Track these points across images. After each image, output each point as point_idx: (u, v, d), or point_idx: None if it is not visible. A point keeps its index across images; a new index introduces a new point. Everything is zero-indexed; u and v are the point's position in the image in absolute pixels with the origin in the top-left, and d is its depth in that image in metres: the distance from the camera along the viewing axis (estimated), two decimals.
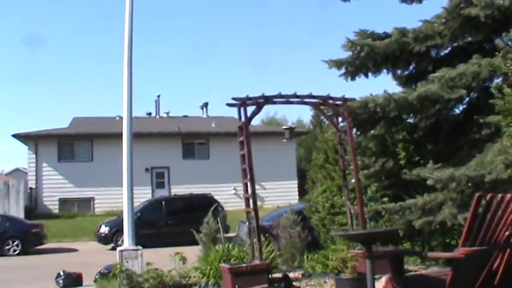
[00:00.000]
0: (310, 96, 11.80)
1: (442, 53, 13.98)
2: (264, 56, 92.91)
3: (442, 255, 7.18)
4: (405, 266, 10.62)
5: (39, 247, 24.60)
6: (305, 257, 12.87)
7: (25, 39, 78.01)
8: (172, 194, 35.99)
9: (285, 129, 33.24)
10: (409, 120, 13.79)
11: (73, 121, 42.98)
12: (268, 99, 11.25)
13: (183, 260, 12.08)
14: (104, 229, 25.41)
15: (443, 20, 12.41)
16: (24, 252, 23.55)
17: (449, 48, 13.72)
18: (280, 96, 11.39)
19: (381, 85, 17.48)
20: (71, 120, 43.48)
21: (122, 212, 14.06)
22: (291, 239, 13.69)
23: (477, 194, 5.36)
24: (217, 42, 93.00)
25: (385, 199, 13.62)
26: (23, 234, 24.38)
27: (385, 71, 14.15)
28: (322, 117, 13.26)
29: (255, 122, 48.02)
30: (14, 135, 38.69)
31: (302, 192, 34.22)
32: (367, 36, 13.65)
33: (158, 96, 48.95)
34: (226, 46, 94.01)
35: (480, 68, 11.56)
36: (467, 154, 11.97)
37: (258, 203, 11.63)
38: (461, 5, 11.81)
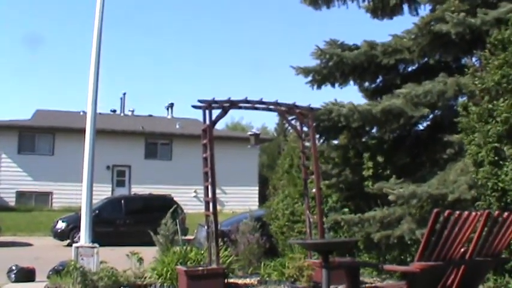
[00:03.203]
0: (276, 103, 11.79)
1: (410, 69, 14.12)
2: (233, 58, 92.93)
3: (398, 269, 7.22)
4: (361, 278, 10.63)
5: None
6: (262, 263, 12.83)
7: None
8: (132, 193, 35.71)
9: (250, 135, 33.08)
10: (373, 133, 13.87)
11: (35, 113, 42.41)
12: (233, 104, 11.21)
13: (140, 260, 11.93)
14: (61, 225, 25.08)
15: (413, 36, 12.53)
16: None
17: (417, 65, 13.83)
18: (246, 101, 11.36)
19: (347, 96, 17.56)
20: (33, 112, 42.91)
21: (80, 209, 13.86)
22: (249, 245, 13.62)
23: (435, 210, 5.39)
24: (187, 42, 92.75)
25: (345, 210, 13.65)
26: None
27: (351, 82, 14.25)
28: (287, 124, 13.24)
29: (220, 126, 47.93)
30: None
31: (262, 199, 34.26)
32: (337, 47, 13.73)
33: (124, 94, 48.70)
34: (196, 47, 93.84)
35: (446, 87, 11.67)
36: (429, 171, 12.08)
37: (218, 207, 11.58)
38: (432, 23, 11.92)
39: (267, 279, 11.75)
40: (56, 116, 40.70)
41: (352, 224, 12.67)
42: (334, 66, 13.46)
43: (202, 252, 11.85)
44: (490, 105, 9.54)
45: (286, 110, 12.14)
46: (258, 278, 11.89)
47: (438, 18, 11.78)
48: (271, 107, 11.86)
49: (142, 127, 41.08)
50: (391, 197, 11.43)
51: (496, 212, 6.45)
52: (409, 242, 11.69)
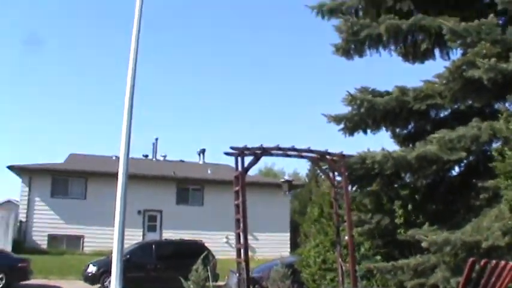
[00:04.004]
0: (308, 150, 11.78)
1: (442, 114, 14.01)
2: (264, 106, 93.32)
3: None
4: None
5: (24, 282, 24.24)
6: None
7: (25, 71, 78.45)
8: (164, 238, 35.65)
9: (283, 182, 33.01)
10: (406, 180, 13.73)
11: (69, 157, 42.84)
12: (266, 151, 11.21)
13: None
14: (92, 268, 25.05)
15: (445, 81, 12.44)
16: (8, 286, 23.17)
17: (449, 110, 13.74)
18: (278, 148, 11.36)
19: (377, 142, 17.47)
20: (66, 156, 43.35)
21: (111, 253, 13.84)
22: None
23: (471, 259, 5.30)
24: (220, 90, 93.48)
25: (378, 257, 13.46)
26: (8, 268, 23.97)
27: (383, 128, 14.17)
28: (319, 171, 13.19)
29: (252, 172, 47.96)
30: (9, 167, 38.50)
31: (294, 245, 33.98)
32: (368, 93, 13.70)
33: (156, 139, 48.97)
34: (228, 94, 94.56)
35: (480, 132, 11.54)
36: (463, 217, 11.89)
37: (250, 253, 11.49)
38: (464, 67, 11.83)
39: None
40: (89, 160, 41.08)
41: (385, 272, 12.47)
42: (365, 112, 13.41)
43: None
44: None
45: (318, 157, 12.12)
46: None
47: (469, 63, 11.68)
48: (304, 154, 11.83)
49: (174, 172, 41.21)
50: (424, 244, 11.24)
51: None
52: None
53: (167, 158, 47.49)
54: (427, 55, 14.46)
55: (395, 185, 13.79)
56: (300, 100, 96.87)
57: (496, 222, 10.28)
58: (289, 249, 37.80)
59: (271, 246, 37.83)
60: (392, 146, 14.08)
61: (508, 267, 5.66)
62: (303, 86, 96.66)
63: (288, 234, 41.01)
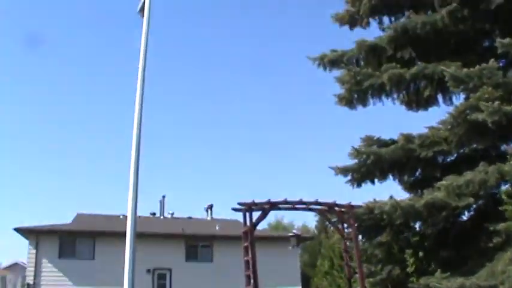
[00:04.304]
0: (316, 202, 11.73)
1: (448, 159, 13.98)
2: (269, 161, 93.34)
3: None
4: None
5: None
6: None
7: (29, 128, 78.80)
8: None
9: (291, 236, 32.86)
10: (416, 227, 13.62)
11: (76, 217, 42.74)
12: (273, 205, 11.17)
13: None
14: None
15: (449, 126, 12.47)
16: None
17: (456, 155, 13.71)
18: (285, 202, 11.32)
19: (387, 189, 17.42)
20: (73, 216, 43.24)
21: None
22: None
23: None
24: (225, 145, 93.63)
25: None
26: None
27: (391, 177, 14.14)
28: (328, 223, 13.11)
29: (261, 225, 47.75)
30: (15, 229, 38.38)
31: None
32: (373, 143, 13.72)
33: (163, 196, 48.82)
34: (233, 149, 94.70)
35: (487, 176, 11.50)
36: (476, 263, 11.74)
37: None
38: (467, 111, 11.86)
39: None
40: (96, 220, 40.90)
41: None
42: (372, 164, 13.44)
43: None
44: None
45: (326, 209, 12.05)
46: None
47: (473, 107, 11.72)
48: (312, 206, 11.78)
49: (183, 229, 41.02)
50: None
51: None
52: None
53: (175, 215, 47.33)
54: (430, 102, 14.53)
55: (405, 234, 13.66)
56: (306, 151, 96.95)
57: (511, 266, 10.14)
58: None
59: None
60: (400, 193, 14.02)
61: None
62: (308, 136, 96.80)
63: (299, 287, 40.60)
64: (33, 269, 37.74)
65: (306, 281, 36.68)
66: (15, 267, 58.87)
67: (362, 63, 14.72)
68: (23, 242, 40.93)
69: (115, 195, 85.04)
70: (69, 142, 78.17)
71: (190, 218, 47.08)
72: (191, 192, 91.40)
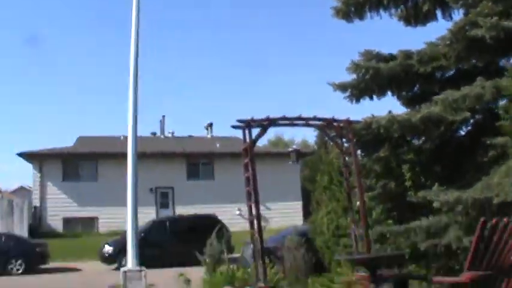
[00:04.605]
0: (315, 118, 11.76)
1: (447, 75, 13.96)
2: (269, 76, 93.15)
3: (447, 280, 7.13)
4: None
5: (42, 266, 24.53)
6: (309, 279, 12.78)
7: (33, 56, 78.46)
8: (177, 214, 35.90)
9: (291, 151, 33.26)
10: (414, 142, 13.75)
11: (78, 140, 43.04)
12: (272, 122, 11.21)
13: (187, 281, 12.01)
14: (108, 249, 25.37)
15: (448, 42, 12.41)
16: (27, 271, 23.47)
17: (454, 70, 13.69)
18: (284, 118, 11.35)
19: (386, 105, 17.46)
20: (75, 139, 43.53)
21: (125, 232, 14.01)
22: (295, 261, 13.62)
23: (482, 219, 5.35)
24: (223, 63, 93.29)
25: (390, 221, 13.54)
26: (26, 253, 24.33)
27: (389, 92, 14.16)
28: (327, 138, 13.22)
29: (262, 142, 47.98)
30: (19, 154, 38.73)
31: (307, 213, 34.14)
32: (372, 57, 13.66)
33: (163, 116, 49.06)
34: (230, 67, 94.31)
35: (484, 90, 11.52)
36: (473, 176, 11.89)
37: (263, 223, 11.56)
38: (466, 27, 11.81)
39: None
40: (98, 142, 41.25)
41: (398, 234, 12.55)
42: (370, 79, 13.40)
43: (249, 270, 11.86)
44: None
45: (325, 125, 12.11)
46: None
47: (472, 23, 11.65)
48: (310, 122, 11.83)
49: (183, 148, 41.35)
50: (435, 204, 11.28)
51: None
52: (457, 251, 11.54)
53: (175, 135, 47.61)
54: (429, 17, 14.37)
55: (403, 149, 13.80)
56: (303, 70, 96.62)
57: (507, 178, 10.29)
58: (302, 218, 38.02)
59: (285, 215, 38.10)
60: (399, 110, 14.08)
61: None
62: (306, 57, 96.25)
63: (300, 202, 41.21)
64: (38, 192, 38.45)
65: (306, 195, 37.20)
66: (21, 191, 59.82)
67: None
68: (27, 167, 41.47)
69: (116, 116, 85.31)
70: (68, 65, 77.83)
71: (190, 136, 47.38)
72: (191, 111, 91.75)
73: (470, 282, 5.30)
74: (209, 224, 21.42)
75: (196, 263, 13.84)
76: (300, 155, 34.72)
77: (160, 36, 79.86)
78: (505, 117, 10.19)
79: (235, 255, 19.68)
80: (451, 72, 13.87)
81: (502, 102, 11.38)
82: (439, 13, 14.27)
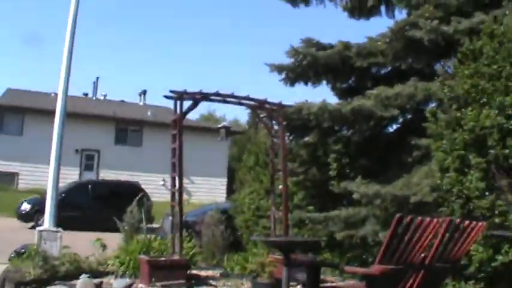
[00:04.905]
0: (248, 98, 11.78)
1: (383, 72, 14.20)
2: (206, 50, 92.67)
3: (358, 271, 7.28)
4: (323, 276, 10.72)
5: None
6: (225, 257, 12.85)
7: None
8: (100, 178, 35.52)
9: (221, 128, 33.22)
10: (343, 133, 13.95)
11: (6, 92, 41.93)
12: (205, 96, 11.19)
13: (103, 247, 11.90)
14: (25, 206, 24.91)
15: (388, 40, 12.60)
16: None
17: (390, 68, 13.94)
18: (217, 94, 11.33)
19: (321, 95, 17.64)
20: (3, 90, 42.43)
21: (45, 191, 13.77)
22: (213, 237, 13.67)
23: (398, 215, 5.48)
24: (162, 32, 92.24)
25: (311, 208, 13.73)
26: None
27: (324, 81, 14.31)
28: (257, 119, 13.28)
29: (194, 116, 47.75)
30: None
31: (231, 191, 34.29)
32: (312, 45, 13.76)
33: (97, 78, 48.37)
34: (169, 36, 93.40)
35: (416, 91, 11.79)
36: (396, 173, 12.16)
37: (186, 196, 11.59)
38: (406, 27, 12.01)
39: (230, 272, 11.78)
40: (27, 96, 40.29)
41: (317, 222, 12.77)
42: (307, 65, 13.53)
43: (166, 242, 11.85)
44: (458, 114, 9.65)
45: (257, 105, 12.15)
46: (221, 271, 11.93)
47: (412, 24, 11.87)
48: (243, 101, 11.85)
49: (114, 112, 40.84)
50: (355, 196, 11.55)
51: (458, 220, 6.58)
52: (371, 243, 11.80)
53: (107, 98, 46.96)
54: (373, 12, 14.60)
55: (331, 138, 13.99)
56: (245, 45, 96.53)
57: (426, 179, 10.57)
58: (225, 195, 38.15)
59: (208, 190, 38.17)
60: (333, 99, 14.27)
61: (432, 224, 5.88)
62: (249, 31, 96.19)
63: (225, 179, 41.33)
64: None
65: (232, 173, 37.34)
66: None
67: None
68: None
69: (49, 73, 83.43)
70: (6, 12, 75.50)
71: (123, 101, 46.83)
72: (127, 75, 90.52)
73: (379, 275, 5.43)
74: (131, 192, 21.25)
75: (116, 229, 13.69)
76: (229, 132, 34.74)
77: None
78: (431, 120, 10.43)
79: (155, 225, 19.62)
80: (387, 70, 14.12)
81: (431, 106, 11.63)
82: (383, 9, 14.50)
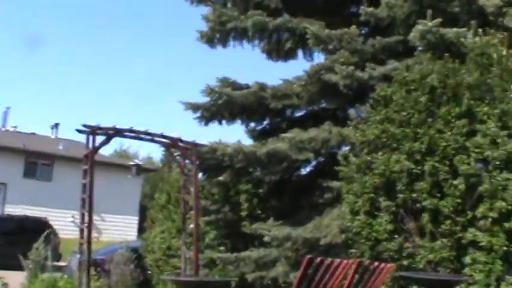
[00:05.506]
0: (161, 135, 11.69)
1: (297, 114, 14.37)
2: (123, 84, 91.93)
3: None
4: None
5: None
6: None
7: None
8: (5, 213, 34.33)
9: (132, 165, 32.80)
10: (256, 174, 13.97)
11: None
12: (118, 132, 11.02)
13: (4, 285, 11.46)
14: None
15: (303, 83, 12.79)
16: None
17: (305, 111, 14.12)
18: (131, 130, 11.19)
19: (236, 133, 17.67)
20: None
21: None
22: (122, 276, 13.39)
23: (308, 256, 5.50)
24: (74, 65, 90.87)
25: (222, 248, 13.66)
26: None
27: (239, 121, 14.37)
28: (171, 157, 13.19)
29: (107, 151, 47.06)
30: None
31: (141, 229, 33.80)
32: (228, 85, 13.82)
33: (8, 108, 47.03)
34: (86, 70, 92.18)
35: (330, 135, 11.97)
36: (307, 215, 12.26)
37: (96, 234, 11.31)
38: (322, 71, 12.23)
39: None
40: None
41: (228, 262, 12.69)
42: (223, 104, 13.57)
43: (73, 281, 11.52)
44: (369, 158, 9.86)
45: (170, 144, 12.07)
46: None
47: (328, 68, 12.10)
48: (156, 139, 11.75)
49: (24, 144, 39.74)
50: (266, 238, 11.58)
51: (367, 261, 6.65)
52: (283, 285, 11.79)
53: (18, 129, 45.73)
54: (290, 55, 14.81)
55: (244, 179, 14.00)
56: (162, 84, 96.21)
57: (336, 221, 10.70)
58: (136, 233, 37.52)
59: (119, 228, 37.45)
60: (248, 141, 14.32)
61: (341, 266, 5.92)
62: (165, 71, 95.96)
63: (137, 218, 40.67)
64: None
65: (144, 212, 36.85)
66: None
67: (229, 4, 14.66)
68: None
69: None
70: None
71: (34, 133, 45.65)
72: (38, 107, 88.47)
73: None
74: (38, 228, 20.64)
75: (20, 267, 13.22)
76: (142, 170, 34.31)
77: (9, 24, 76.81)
78: (343, 163, 10.61)
79: (63, 263, 19.08)
80: (302, 112, 14.30)
81: (345, 149, 11.82)
82: (300, 52, 14.73)
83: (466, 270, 8.10)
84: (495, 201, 7.86)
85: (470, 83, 8.82)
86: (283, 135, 12.62)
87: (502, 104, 8.21)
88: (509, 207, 7.69)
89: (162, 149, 14.37)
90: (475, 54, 9.16)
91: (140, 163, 34.76)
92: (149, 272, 15.40)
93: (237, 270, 12.56)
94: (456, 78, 9.06)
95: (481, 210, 8.08)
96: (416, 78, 9.64)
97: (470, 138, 8.55)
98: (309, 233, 10.99)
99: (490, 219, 7.93)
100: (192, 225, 12.16)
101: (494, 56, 8.78)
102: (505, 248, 7.70)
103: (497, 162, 8.03)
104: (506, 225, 7.73)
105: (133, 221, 40.59)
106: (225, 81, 13.91)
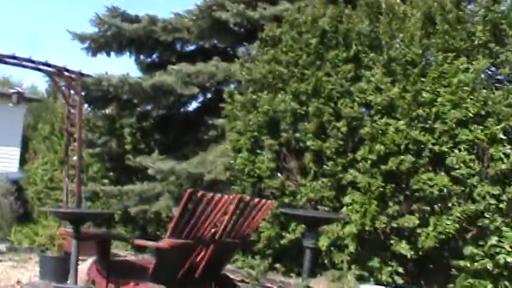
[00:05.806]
0: (46, 64, 11.32)
1: (187, 48, 14.27)
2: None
3: (147, 244, 7.28)
4: (115, 251, 10.61)
5: None
6: (14, 229, 12.30)
7: None
8: None
9: (13, 93, 31.56)
10: (141, 107, 13.86)
11: None
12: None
13: None
14: None
15: (194, 17, 12.66)
16: None
17: (195, 46, 14.03)
18: (13, 57, 10.77)
19: (126, 67, 17.38)
20: None
21: None
22: (1, 209, 13.08)
23: (189, 190, 5.56)
24: None
25: (106, 181, 13.56)
26: None
27: (128, 53, 14.13)
28: (55, 87, 12.84)
29: None
30: None
31: (24, 161, 32.84)
32: (117, 15, 13.50)
33: None
34: None
35: (217, 70, 11.98)
36: (192, 151, 12.32)
37: None
38: (214, 7, 12.13)
39: (17, 246, 11.30)
40: None
41: (111, 195, 12.65)
42: (111, 36, 13.28)
43: None
44: (254, 96, 9.97)
45: (55, 72, 11.72)
46: (7, 245, 11.41)
47: (220, 5, 12.02)
48: (41, 67, 11.37)
49: None
50: (150, 171, 11.59)
51: (248, 197, 6.79)
52: (165, 219, 11.88)
53: None
54: None
55: (129, 111, 13.87)
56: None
57: (221, 158, 10.81)
58: (17, 165, 36.47)
59: None
60: (138, 74, 14.13)
61: (223, 200, 6.01)
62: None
63: (18, 149, 39.43)
64: None
65: (26, 143, 35.77)
66: None
67: None
68: None
69: None
70: None
71: None
72: None
73: (169, 248, 5.49)
74: None
75: None
76: (24, 99, 33.08)
77: None
78: (228, 101, 10.67)
79: None
80: (191, 47, 14.20)
81: (231, 87, 11.87)
82: None
83: (344, 209, 8.40)
84: (375, 144, 8.14)
85: (360, 30, 8.98)
86: (170, 67, 12.52)
87: (389, 51, 8.42)
88: (387, 150, 7.98)
89: (47, 78, 13.87)
90: (366, 1, 9.30)
91: (22, 92, 33.51)
92: (30, 205, 15.11)
93: (120, 203, 12.56)
94: (348, 24, 9.20)
95: (361, 152, 8.37)
96: (308, 20, 9.71)
97: (355, 83, 8.78)
98: (193, 168, 11.07)
99: (369, 162, 8.22)
100: (75, 157, 11.97)
101: (383, 5, 8.94)
102: (381, 189, 8.03)
103: (379, 108, 8.29)
104: (383, 167, 8.02)
105: (15, 152, 39.32)
106: (114, 11, 13.55)
